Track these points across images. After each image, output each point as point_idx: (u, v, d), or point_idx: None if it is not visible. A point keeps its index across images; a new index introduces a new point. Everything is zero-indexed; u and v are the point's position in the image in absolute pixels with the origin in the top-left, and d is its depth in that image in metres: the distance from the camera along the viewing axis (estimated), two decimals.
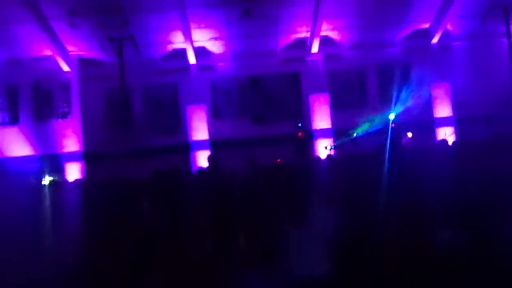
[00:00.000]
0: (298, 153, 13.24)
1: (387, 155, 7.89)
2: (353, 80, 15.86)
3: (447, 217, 4.09)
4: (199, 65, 15.38)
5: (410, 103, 14.00)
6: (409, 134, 13.84)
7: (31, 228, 5.13)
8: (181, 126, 15.46)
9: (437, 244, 3.44)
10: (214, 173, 6.46)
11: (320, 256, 3.46)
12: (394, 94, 13.82)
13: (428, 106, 15.23)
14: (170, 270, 4.00)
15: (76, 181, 11.51)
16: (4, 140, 14.85)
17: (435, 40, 15.45)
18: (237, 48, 15.21)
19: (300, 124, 13.92)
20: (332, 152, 13.87)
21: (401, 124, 13.08)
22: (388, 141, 11.58)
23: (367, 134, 13.81)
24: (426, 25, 15.39)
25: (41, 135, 14.88)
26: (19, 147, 14.78)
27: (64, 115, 14.99)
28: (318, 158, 10.89)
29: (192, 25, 14.17)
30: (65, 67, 14.90)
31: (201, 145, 14.94)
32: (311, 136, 14.77)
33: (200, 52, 15.15)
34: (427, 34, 15.49)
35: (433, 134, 14.85)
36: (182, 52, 15.00)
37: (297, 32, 15.10)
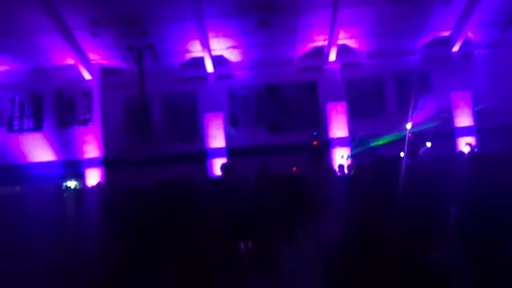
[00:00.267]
0: (313, 162, 13.19)
1: (403, 166, 7.80)
2: (371, 89, 15.73)
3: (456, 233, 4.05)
4: (217, 74, 15.56)
5: (429, 112, 13.79)
6: (428, 144, 13.59)
7: (53, 230, 5.34)
8: (198, 133, 15.63)
9: (436, 261, 3.42)
10: (223, 183, 6.54)
11: (316, 271, 3.48)
12: (413, 103, 13.63)
13: (449, 115, 14.96)
14: (176, 275, 4.18)
15: (95, 186, 11.75)
16: (29, 146, 15.30)
17: (455, 48, 15.22)
18: (254, 57, 15.33)
19: (315, 133, 13.86)
20: (349, 161, 13.76)
21: (420, 134, 12.88)
22: (405, 152, 11.44)
23: (385, 144, 13.66)
24: (447, 33, 15.17)
25: (63, 141, 15.30)
26: (42, 152, 15.21)
27: (85, 122, 15.36)
28: (332, 168, 10.81)
29: (210, 34, 14.36)
30: (87, 76, 15.31)
31: (218, 152, 15.05)
32: (327, 144, 14.70)
33: (218, 60, 15.33)
34: (448, 42, 15.26)
35: (453, 144, 14.57)
36: (200, 61, 15.22)
37: (314, 41, 15.10)
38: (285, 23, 13.99)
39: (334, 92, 15.25)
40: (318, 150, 13.68)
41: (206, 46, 14.59)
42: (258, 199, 5.60)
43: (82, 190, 12.97)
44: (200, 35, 14.21)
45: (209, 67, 15.33)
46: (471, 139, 14.10)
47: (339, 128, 15.00)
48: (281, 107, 15.88)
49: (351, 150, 14.62)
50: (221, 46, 15.00)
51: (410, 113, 13.38)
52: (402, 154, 12.57)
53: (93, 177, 14.79)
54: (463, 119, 15.01)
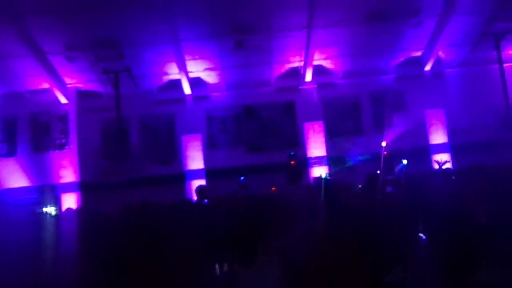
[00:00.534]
0: (291, 181, 13.21)
1: (377, 184, 7.85)
2: (347, 108, 15.96)
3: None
4: (195, 96, 15.62)
5: (403, 130, 14.00)
6: (404, 161, 13.75)
7: (28, 256, 5.21)
8: (176, 156, 15.55)
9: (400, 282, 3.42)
10: (196, 205, 6.49)
11: None
12: (388, 121, 13.84)
13: (423, 133, 15.22)
14: None
15: (67, 211, 11.52)
16: (2, 172, 14.98)
17: (427, 67, 15.60)
18: (231, 78, 15.45)
19: (292, 153, 13.95)
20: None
21: (394, 152, 13.02)
22: (381, 169, 11.53)
23: (361, 162, 13.78)
24: (419, 53, 15.58)
25: (38, 167, 15.02)
26: (16, 178, 14.91)
27: (61, 146, 15.17)
28: (307, 186, 10.84)
29: (187, 57, 14.46)
30: (63, 100, 15.20)
31: (196, 174, 14.97)
32: (305, 164, 14.77)
33: (195, 82, 15.40)
34: (420, 61, 15.66)
35: (428, 161, 14.76)
36: (177, 83, 15.27)
37: (290, 62, 15.33)
38: (260, 44, 14.20)
39: (311, 112, 15.43)
40: (296, 170, 13.73)
41: (183, 68, 14.68)
42: (228, 221, 5.57)
43: (56, 215, 12.71)
44: (177, 58, 14.29)
45: (187, 89, 15.38)
46: (445, 156, 14.32)
47: (316, 148, 15.13)
48: (259, 127, 15.96)
49: (329, 169, 14.70)
50: (198, 68, 15.11)
51: (386, 131, 13.56)
52: (378, 172, 12.69)
53: (69, 202, 14.51)
54: (438, 137, 15.29)
